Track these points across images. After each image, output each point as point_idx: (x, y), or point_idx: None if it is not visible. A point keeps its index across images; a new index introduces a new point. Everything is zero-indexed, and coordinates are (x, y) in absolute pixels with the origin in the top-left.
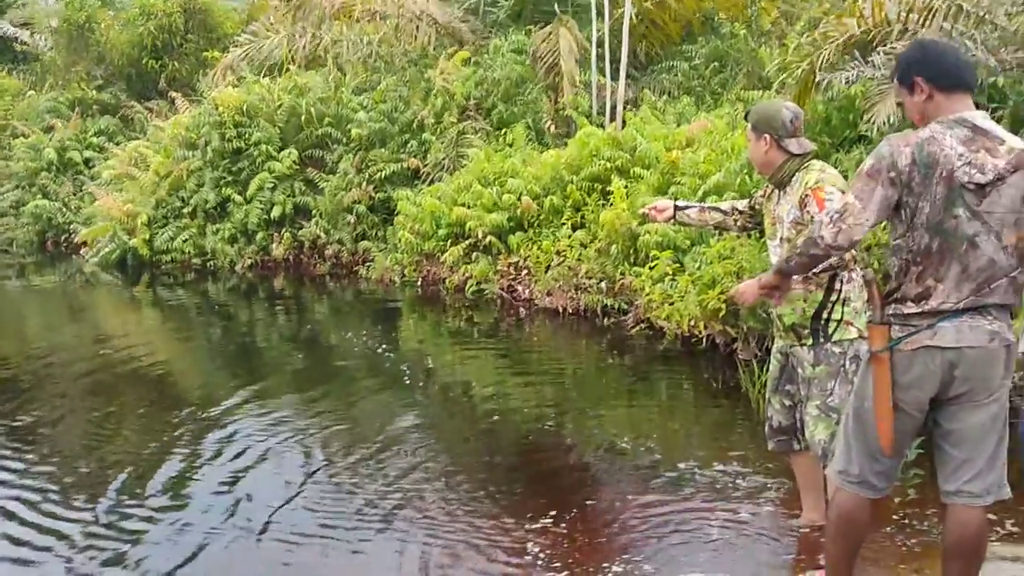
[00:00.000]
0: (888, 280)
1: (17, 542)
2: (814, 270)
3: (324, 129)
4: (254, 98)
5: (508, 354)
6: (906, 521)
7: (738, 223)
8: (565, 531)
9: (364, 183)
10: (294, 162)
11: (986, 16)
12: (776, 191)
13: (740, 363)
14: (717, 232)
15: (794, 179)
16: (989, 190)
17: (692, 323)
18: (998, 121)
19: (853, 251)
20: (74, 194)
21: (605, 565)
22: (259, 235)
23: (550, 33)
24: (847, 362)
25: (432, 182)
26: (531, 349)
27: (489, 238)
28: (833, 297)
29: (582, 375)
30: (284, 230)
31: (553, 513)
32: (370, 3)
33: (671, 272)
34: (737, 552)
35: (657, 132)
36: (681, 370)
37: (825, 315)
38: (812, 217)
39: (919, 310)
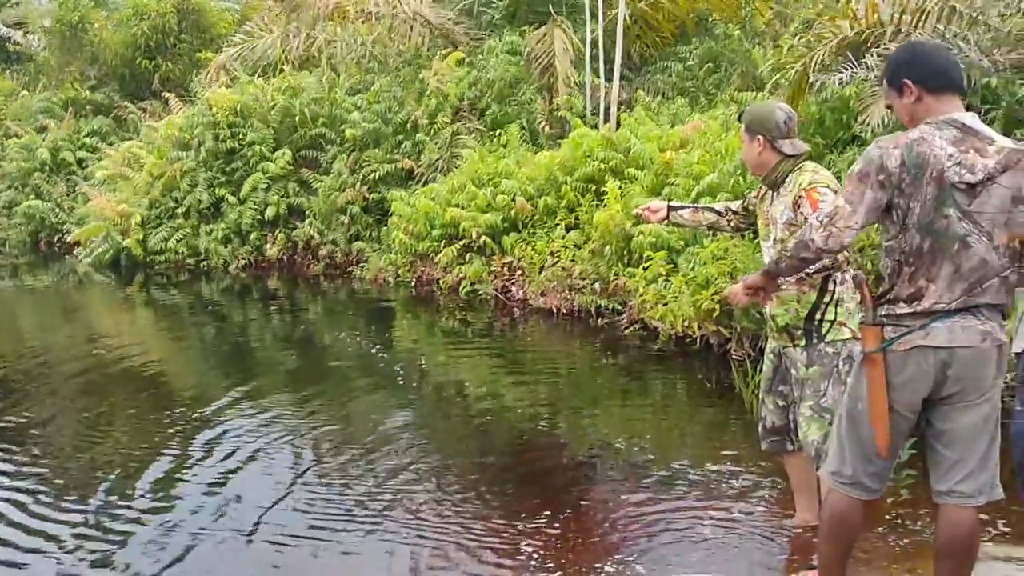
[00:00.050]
0: (880, 281)
1: (5, 543)
2: (808, 271)
3: (318, 129)
4: (248, 98)
5: (502, 354)
6: (899, 521)
7: (731, 224)
8: (558, 531)
9: (358, 184)
10: (288, 162)
11: (979, 17)
12: (769, 192)
13: (734, 363)
14: (711, 233)
15: (787, 180)
16: (979, 190)
17: (686, 323)
18: (991, 122)
19: (846, 252)
20: (67, 194)
21: (598, 565)
22: (253, 235)
23: (545, 34)
24: (840, 363)
25: (426, 183)
26: (525, 349)
27: (483, 239)
28: (826, 298)
29: (576, 375)
30: (278, 230)
31: (546, 513)
32: (364, 3)
33: (665, 273)
34: (730, 552)
35: (651, 133)
36: (675, 370)
37: (818, 316)
38: (805, 218)
39: (911, 310)
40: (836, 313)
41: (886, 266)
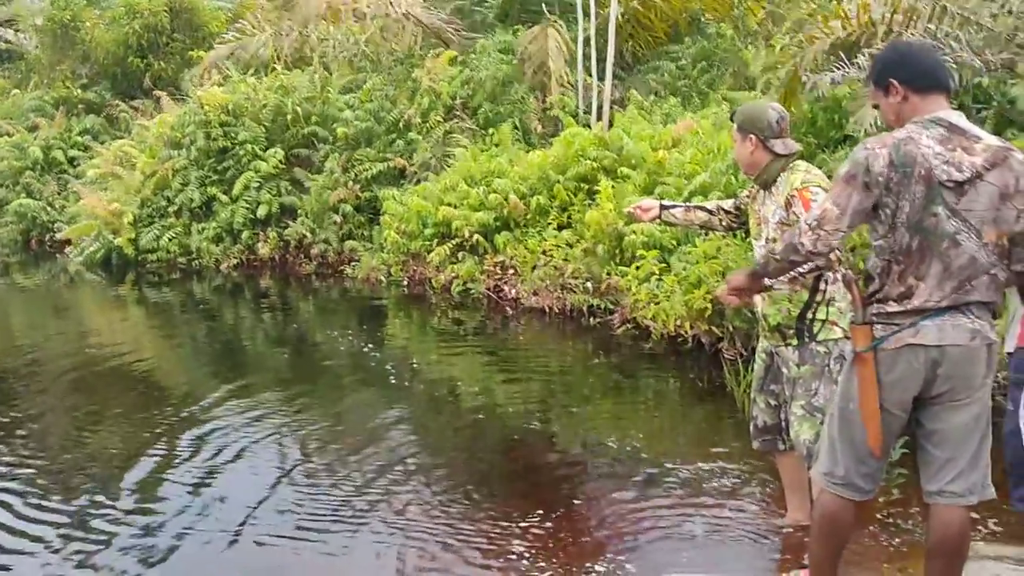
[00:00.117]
0: (870, 281)
1: None
2: (801, 271)
3: (310, 128)
4: (240, 97)
5: (494, 354)
6: (890, 520)
7: (723, 223)
8: (550, 530)
9: (350, 182)
10: (280, 161)
11: (971, 17)
12: (762, 191)
13: (725, 363)
14: (703, 232)
15: (779, 180)
16: (967, 188)
17: (678, 323)
18: (983, 122)
19: (838, 252)
20: (59, 193)
21: (588, 564)
22: (245, 234)
23: (538, 33)
24: (832, 362)
25: (418, 182)
26: (517, 349)
27: (475, 238)
28: (818, 297)
29: (568, 375)
30: (270, 229)
31: (537, 512)
32: (357, 3)
33: (657, 272)
34: (721, 551)
35: (643, 132)
36: (667, 370)
37: (810, 315)
38: (798, 217)
39: (901, 309)
40: (827, 312)
41: (875, 266)
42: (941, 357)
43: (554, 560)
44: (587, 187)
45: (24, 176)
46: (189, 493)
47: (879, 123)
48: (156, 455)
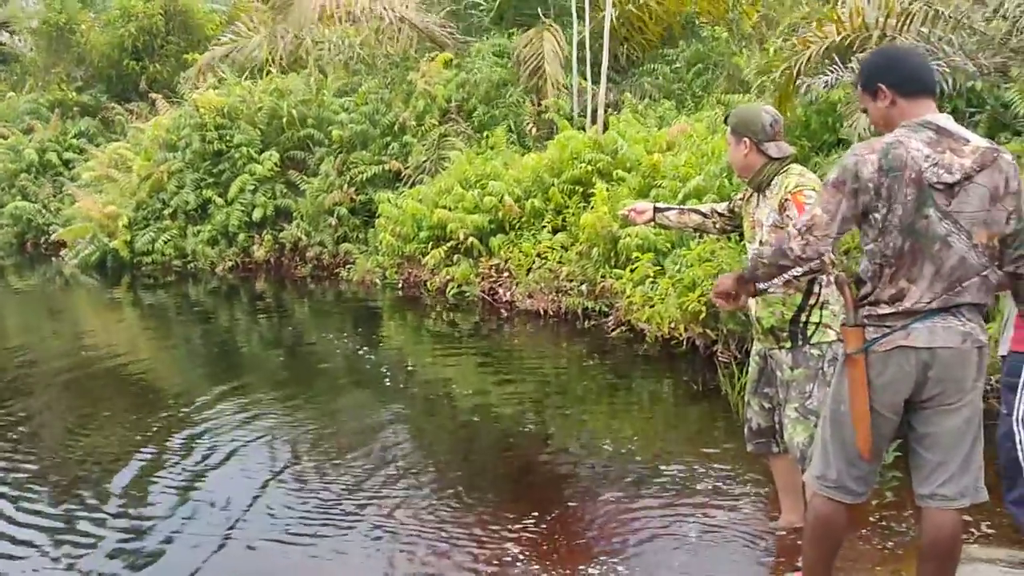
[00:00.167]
0: (861, 284)
1: None
2: (795, 273)
3: (306, 131)
4: (235, 100)
5: (489, 356)
6: (884, 523)
7: (717, 226)
8: (544, 533)
9: (345, 185)
10: (275, 164)
11: (964, 21)
12: (755, 194)
13: (720, 365)
14: (697, 235)
15: (773, 183)
16: (958, 190)
17: (672, 325)
18: (976, 126)
19: (831, 255)
20: (54, 196)
21: (582, 567)
22: (240, 237)
23: (533, 37)
24: (825, 365)
25: (413, 184)
26: (512, 351)
27: (470, 240)
28: (812, 300)
29: (563, 377)
30: (265, 232)
31: (532, 514)
32: (350, 6)
33: (652, 275)
34: (715, 554)
35: (638, 135)
36: (661, 372)
37: (803, 318)
38: (792, 221)
39: (893, 310)
40: (821, 315)
41: (867, 270)
42: (932, 359)
43: (548, 562)
44: (582, 190)
45: (19, 179)
46: (179, 496)
47: (872, 127)
48: (147, 457)
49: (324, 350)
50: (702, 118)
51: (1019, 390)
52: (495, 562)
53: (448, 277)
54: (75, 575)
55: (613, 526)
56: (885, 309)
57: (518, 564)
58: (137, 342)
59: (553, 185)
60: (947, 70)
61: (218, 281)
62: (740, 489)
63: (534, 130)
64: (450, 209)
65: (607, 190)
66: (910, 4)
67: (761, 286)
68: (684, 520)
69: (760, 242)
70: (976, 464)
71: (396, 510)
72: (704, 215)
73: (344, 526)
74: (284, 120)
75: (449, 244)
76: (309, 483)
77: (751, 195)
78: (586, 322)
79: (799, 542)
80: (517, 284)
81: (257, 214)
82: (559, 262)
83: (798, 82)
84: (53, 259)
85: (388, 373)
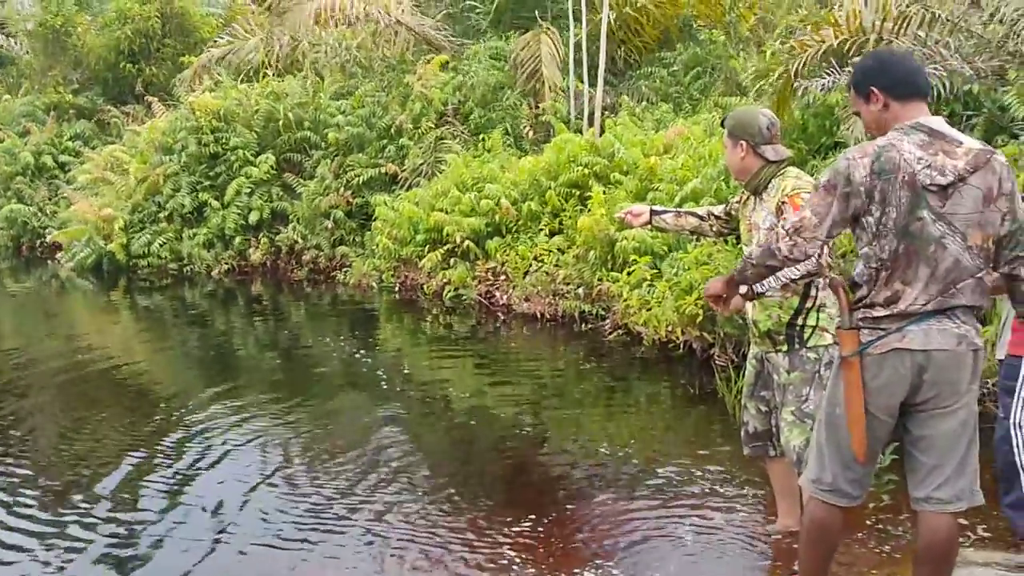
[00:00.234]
0: (856, 287)
1: None
2: (792, 277)
3: (302, 134)
4: (231, 103)
5: (485, 359)
6: (880, 527)
7: (714, 228)
8: (540, 536)
9: (342, 188)
10: (271, 167)
11: (961, 24)
12: (752, 197)
13: (717, 369)
14: (694, 238)
15: (770, 186)
16: (951, 191)
17: (669, 329)
18: (972, 128)
19: (828, 259)
20: (49, 199)
21: (578, 570)
22: (236, 240)
23: (530, 40)
24: (822, 368)
25: (410, 187)
26: (508, 354)
27: (467, 243)
28: (808, 303)
29: (559, 381)
30: (261, 235)
31: (529, 517)
32: (346, 10)
33: (648, 278)
34: (711, 557)
35: (635, 138)
36: (658, 375)
37: (800, 321)
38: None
39: (888, 313)
40: (818, 318)
41: (862, 273)
42: (927, 362)
43: (544, 565)
44: (579, 193)
45: (15, 181)
46: (170, 499)
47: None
48: (139, 461)
49: (320, 353)
50: (699, 121)
51: (1016, 394)
52: (490, 565)
53: (445, 280)
54: None
55: (609, 529)
56: (880, 312)
57: (513, 567)
58: (132, 345)
59: (550, 188)
60: (944, 73)
61: (214, 284)
62: (737, 492)
63: (531, 133)
64: (447, 212)
65: (604, 193)
66: (907, 7)
67: (759, 290)
68: (680, 523)
69: (757, 245)
70: (972, 467)
71: (389, 513)
72: (701, 218)
73: (336, 530)
74: (280, 123)
75: (446, 247)
76: (302, 486)
77: (748, 198)
78: (583, 325)
79: (796, 545)
80: (514, 287)
81: (253, 217)
82: (556, 265)
83: (795, 85)
84: (49, 262)
85: (384, 376)
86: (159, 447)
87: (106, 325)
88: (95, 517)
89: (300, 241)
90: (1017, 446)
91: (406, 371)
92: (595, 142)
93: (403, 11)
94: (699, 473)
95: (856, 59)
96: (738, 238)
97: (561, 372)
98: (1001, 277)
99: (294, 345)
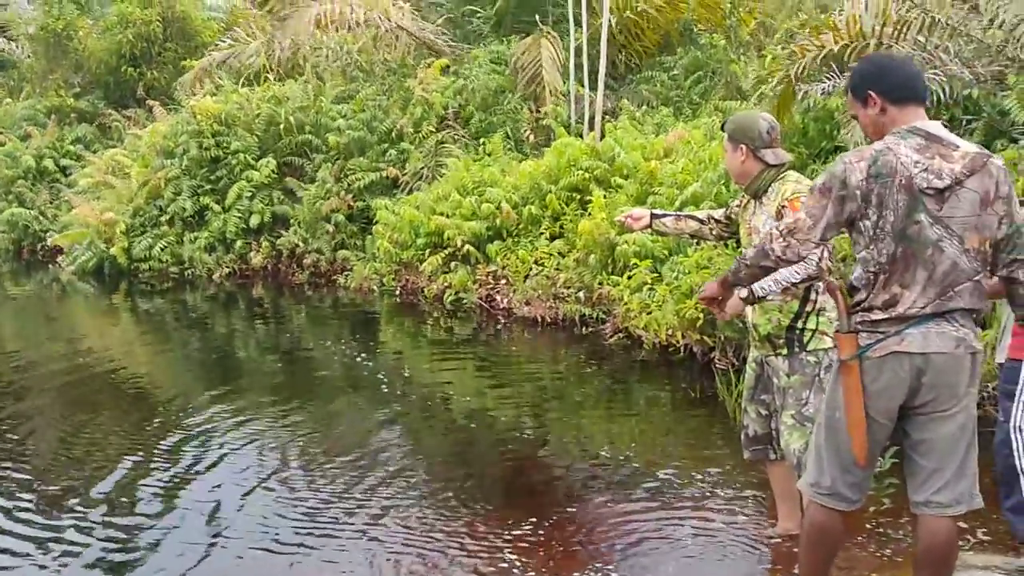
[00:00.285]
0: (854, 291)
1: None
2: (793, 281)
3: (303, 137)
4: (232, 107)
5: (486, 363)
6: (880, 530)
7: (714, 232)
8: (541, 539)
9: (343, 192)
10: (272, 171)
11: (960, 28)
12: (752, 201)
13: (717, 372)
14: (695, 242)
15: (770, 190)
16: (948, 195)
17: (670, 332)
18: (972, 133)
19: (828, 262)
20: (51, 202)
21: (577, 573)
22: (237, 244)
23: (531, 44)
24: (822, 372)
25: (411, 191)
26: (509, 358)
27: (467, 247)
28: (808, 307)
29: (560, 384)
30: (262, 239)
31: (531, 521)
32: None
33: (649, 282)
34: (712, 561)
35: (635, 142)
36: (659, 379)
37: (800, 324)
38: None
39: (886, 316)
40: (818, 322)
41: (860, 277)
42: (925, 365)
43: (544, 569)
44: (579, 197)
45: (16, 185)
46: (167, 503)
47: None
48: (137, 465)
49: (321, 357)
50: (699, 125)
51: (1016, 398)
52: (490, 569)
53: (445, 284)
54: None
55: (609, 532)
56: (879, 315)
57: (514, 571)
58: (133, 348)
59: (550, 192)
60: (944, 78)
61: (215, 288)
62: (737, 496)
63: (531, 137)
64: (447, 216)
65: (604, 197)
66: (907, 12)
67: (760, 294)
68: (680, 526)
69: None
70: (971, 470)
71: (388, 517)
72: (701, 221)
73: (335, 534)
74: (281, 127)
75: (446, 251)
76: (300, 490)
77: (748, 202)
78: (583, 329)
79: (796, 549)
80: (514, 291)
81: (254, 221)
82: (556, 269)
83: (795, 89)
84: (50, 266)
85: (385, 379)
86: (157, 450)
87: (107, 328)
88: (92, 521)
89: (301, 245)
90: (1017, 450)
91: (406, 374)
92: (596, 146)
93: (403, 16)
94: (699, 476)
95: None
96: (738, 242)
97: (561, 375)
98: (999, 281)
99: (295, 348)
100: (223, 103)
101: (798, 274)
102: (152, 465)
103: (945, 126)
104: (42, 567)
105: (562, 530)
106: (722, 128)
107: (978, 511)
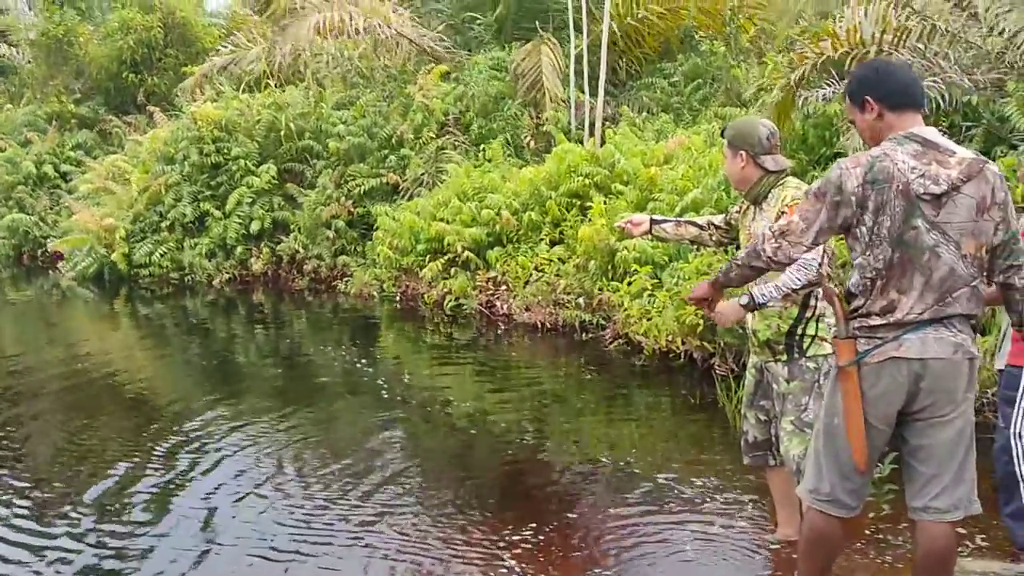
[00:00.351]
0: (852, 297)
1: None
2: (793, 287)
3: (303, 143)
4: (233, 113)
5: (486, 369)
6: (879, 536)
7: (714, 238)
8: (541, 545)
9: (343, 198)
10: (273, 177)
11: (960, 36)
12: (752, 207)
13: (717, 378)
14: (694, 248)
15: (770, 196)
16: (945, 200)
17: (670, 338)
18: (971, 140)
19: (828, 268)
20: (51, 208)
21: None
22: (238, 250)
23: (531, 50)
24: (821, 378)
25: (411, 197)
26: (509, 364)
27: (467, 253)
28: (808, 313)
29: (560, 390)
30: (263, 245)
31: (530, 526)
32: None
33: (649, 288)
34: (711, 567)
35: (636, 148)
36: (658, 385)
37: (799, 330)
38: None
39: (884, 322)
40: (817, 328)
41: (857, 283)
42: (923, 370)
43: (544, 574)
44: (579, 203)
45: (16, 191)
46: (163, 509)
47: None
48: (134, 470)
49: (320, 362)
50: (699, 131)
51: (1016, 404)
52: (496, 573)
53: (446, 290)
54: None
55: (608, 538)
56: (876, 321)
57: (515, 574)
58: (133, 354)
59: (551, 198)
60: (943, 85)
61: (215, 294)
62: (736, 501)
63: (532, 143)
64: (448, 222)
65: (604, 203)
66: (907, 19)
67: (760, 301)
68: (680, 532)
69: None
70: (969, 476)
71: (387, 524)
72: (701, 227)
73: (332, 540)
74: (282, 133)
75: (446, 257)
76: (297, 496)
77: (748, 208)
78: (583, 335)
79: (795, 555)
80: (514, 297)
81: (255, 227)
82: (556, 275)
83: (795, 96)
84: (50, 271)
85: (384, 385)
86: (154, 456)
87: (106, 334)
88: (86, 527)
89: (301, 251)
90: (1017, 456)
91: (406, 380)
92: (596, 152)
93: (404, 23)
94: (699, 482)
95: None
96: (738, 248)
97: (561, 381)
98: (996, 287)
99: (294, 354)
100: (224, 109)
101: (799, 280)
102: (148, 471)
103: (943, 132)
104: (38, 572)
105: (562, 535)
106: (722, 134)
107: (977, 517)
